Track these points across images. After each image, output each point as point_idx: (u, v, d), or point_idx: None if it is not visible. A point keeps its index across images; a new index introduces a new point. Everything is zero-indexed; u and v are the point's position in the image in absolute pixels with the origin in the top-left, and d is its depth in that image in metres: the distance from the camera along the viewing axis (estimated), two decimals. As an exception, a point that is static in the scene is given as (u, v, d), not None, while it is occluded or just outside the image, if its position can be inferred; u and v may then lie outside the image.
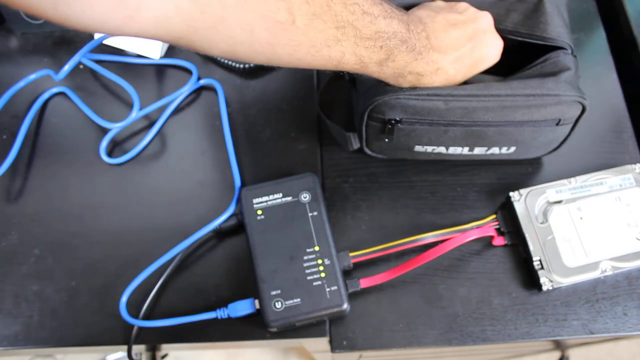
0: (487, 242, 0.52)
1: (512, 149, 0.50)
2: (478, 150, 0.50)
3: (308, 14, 0.35)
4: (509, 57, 0.48)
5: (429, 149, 0.50)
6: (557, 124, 0.47)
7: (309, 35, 0.37)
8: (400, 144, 0.50)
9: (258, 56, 0.38)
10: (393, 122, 0.46)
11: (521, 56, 0.49)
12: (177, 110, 0.59)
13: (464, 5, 0.48)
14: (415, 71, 0.43)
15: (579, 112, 0.47)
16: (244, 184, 0.55)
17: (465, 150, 0.50)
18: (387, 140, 0.49)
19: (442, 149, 0.50)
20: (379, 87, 0.46)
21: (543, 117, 0.46)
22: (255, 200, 0.49)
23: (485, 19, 0.47)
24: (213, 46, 0.36)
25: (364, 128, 0.49)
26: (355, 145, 0.52)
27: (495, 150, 0.50)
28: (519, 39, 0.48)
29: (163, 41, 0.37)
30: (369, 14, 0.38)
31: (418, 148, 0.50)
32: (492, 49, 0.47)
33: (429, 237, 0.49)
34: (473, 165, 0.55)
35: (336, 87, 0.56)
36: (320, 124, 0.58)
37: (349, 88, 0.55)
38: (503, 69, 0.48)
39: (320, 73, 0.60)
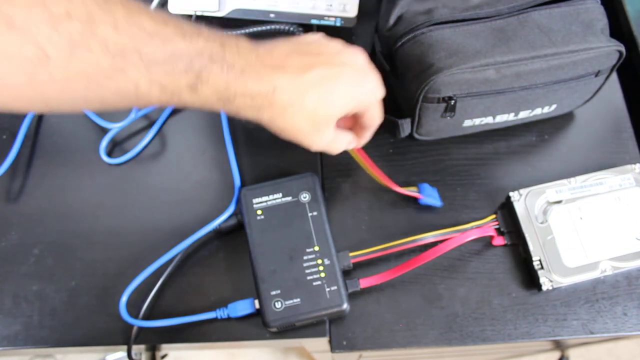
0: (487, 242, 0.52)
1: (554, 106, 0.52)
2: (523, 114, 0.52)
3: (62, 43, 0.30)
4: None
5: (477, 121, 0.51)
6: (596, 75, 0.49)
7: (76, 67, 0.32)
8: (450, 122, 0.50)
9: (29, 104, 0.33)
10: (448, 99, 0.47)
11: None
12: (177, 110, 0.59)
13: (332, 43, 0.41)
14: (244, 92, 0.37)
15: (615, 61, 0.48)
16: (244, 184, 0.55)
17: (511, 116, 0.51)
18: (449, 117, 0.49)
19: (489, 119, 0.51)
20: (429, 67, 0.46)
21: (585, 70, 0.48)
22: (255, 200, 0.49)
23: (353, 55, 0.41)
24: None
25: (417, 111, 0.49)
26: (407, 131, 0.52)
27: (538, 111, 0.52)
28: None
29: None
30: (158, 35, 0.33)
31: (467, 123, 0.51)
32: (365, 84, 0.41)
33: (429, 237, 0.49)
34: (473, 165, 0.55)
35: None
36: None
37: (389, 77, 0.55)
38: None
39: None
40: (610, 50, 0.47)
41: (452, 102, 0.47)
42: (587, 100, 0.54)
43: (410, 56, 0.48)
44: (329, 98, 0.39)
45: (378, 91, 0.42)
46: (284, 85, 0.37)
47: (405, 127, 0.51)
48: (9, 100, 0.32)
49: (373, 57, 0.56)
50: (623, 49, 0.47)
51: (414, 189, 0.53)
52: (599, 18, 0.48)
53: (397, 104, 0.56)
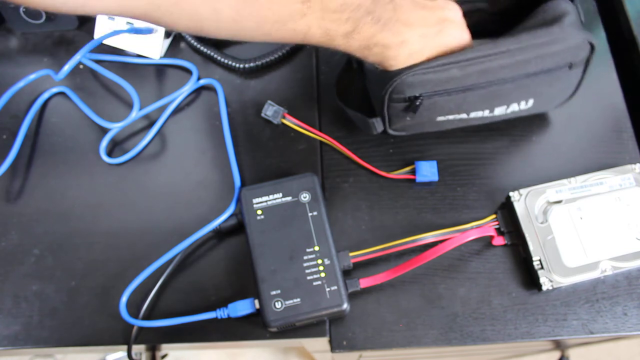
0: (487, 242, 0.52)
1: (531, 102, 0.51)
2: (498, 111, 0.51)
3: None
4: (509, 13, 0.50)
5: (451, 117, 0.51)
6: (570, 68, 0.48)
7: (274, 10, 0.38)
8: (422, 118, 0.50)
9: (224, 32, 0.39)
10: (414, 98, 0.47)
11: (520, 10, 0.51)
12: (177, 110, 0.59)
13: None
14: (381, 43, 0.44)
15: (588, 53, 0.48)
16: (244, 184, 0.55)
17: (487, 113, 0.51)
18: (408, 118, 0.49)
19: (463, 116, 0.51)
20: (386, 71, 0.46)
21: (555, 63, 0.47)
22: (255, 200, 0.49)
23: (454, 11, 0.48)
24: (177, 22, 0.38)
25: (385, 110, 0.49)
26: (379, 128, 0.52)
27: (514, 107, 0.51)
28: None
29: (127, 17, 0.38)
30: None
31: (440, 118, 0.51)
32: (456, 39, 0.47)
33: (429, 237, 0.49)
34: (473, 165, 0.55)
35: (349, 76, 0.56)
36: (321, 123, 0.58)
37: (360, 75, 0.55)
38: (506, 28, 0.49)
39: (324, 66, 0.60)
40: (579, 42, 0.46)
41: (418, 102, 0.47)
42: (570, 96, 0.53)
43: None
44: (434, 52, 0.46)
45: (462, 46, 0.48)
46: (412, 39, 0.45)
47: (377, 125, 0.52)
48: (210, 24, 0.38)
49: (349, 61, 0.56)
50: (593, 40, 0.47)
51: (409, 169, 0.55)
52: (567, 12, 0.47)
53: (369, 101, 0.56)
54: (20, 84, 0.58)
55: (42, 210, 0.55)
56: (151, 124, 0.58)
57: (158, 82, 0.60)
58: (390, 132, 0.53)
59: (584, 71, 0.50)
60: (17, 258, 0.53)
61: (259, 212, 0.49)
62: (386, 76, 0.47)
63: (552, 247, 0.49)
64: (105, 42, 0.61)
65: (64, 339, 0.50)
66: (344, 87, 0.57)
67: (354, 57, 0.53)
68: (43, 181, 0.56)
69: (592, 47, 0.47)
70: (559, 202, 0.51)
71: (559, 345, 0.98)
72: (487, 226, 0.51)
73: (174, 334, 0.49)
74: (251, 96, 0.59)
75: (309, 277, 0.47)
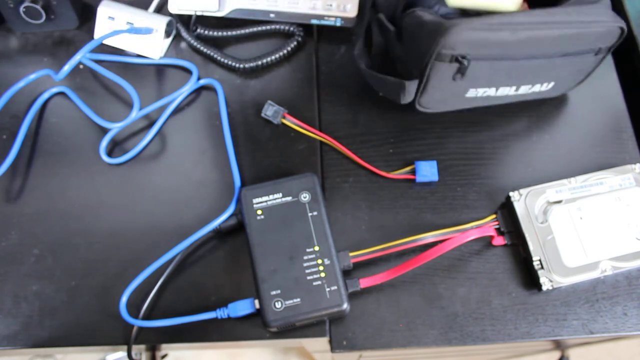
0: (487, 242, 0.52)
1: (552, 84, 0.52)
2: (523, 89, 0.52)
3: None
4: None
5: (481, 92, 0.51)
6: (596, 54, 0.49)
7: None
8: (454, 91, 0.50)
9: None
10: (461, 58, 0.46)
11: None
12: (177, 110, 0.59)
13: None
14: None
15: (615, 39, 0.49)
16: (244, 184, 0.55)
17: (512, 90, 0.51)
18: (458, 80, 0.48)
19: (492, 91, 0.51)
20: (442, 23, 0.45)
21: (588, 45, 0.48)
22: (255, 200, 0.49)
23: None
24: None
25: (428, 70, 0.48)
26: (411, 95, 0.51)
27: (537, 87, 0.52)
28: None
29: None
30: None
31: (470, 93, 0.51)
32: None
33: (429, 237, 0.49)
34: (473, 165, 0.55)
35: (369, 45, 0.56)
36: (321, 123, 0.58)
37: (393, 42, 0.54)
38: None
39: (324, 66, 0.60)
40: (613, 27, 0.47)
41: (465, 62, 0.46)
42: (580, 82, 0.54)
43: (423, 16, 0.48)
44: None
45: None
46: None
47: (410, 89, 0.50)
48: None
49: (368, 30, 0.55)
50: (625, 25, 0.47)
51: (409, 169, 0.55)
52: None
53: (402, 70, 0.56)
54: (20, 84, 0.58)
55: (42, 210, 0.55)
56: (151, 124, 0.58)
57: (158, 82, 0.60)
58: (417, 106, 0.52)
59: (602, 59, 0.51)
60: (17, 258, 0.53)
61: (259, 212, 0.49)
62: (439, 30, 0.45)
63: (552, 247, 0.49)
64: (105, 42, 0.61)
65: (64, 339, 0.50)
66: (365, 55, 0.56)
67: (386, 22, 0.51)
68: (43, 181, 0.56)
69: (622, 33, 0.48)
70: (559, 202, 0.51)
71: (559, 345, 0.97)
72: (487, 226, 0.51)
73: (174, 334, 0.49)
74: (251, 96, 0.59)
75: (309, 277, 0.47)
